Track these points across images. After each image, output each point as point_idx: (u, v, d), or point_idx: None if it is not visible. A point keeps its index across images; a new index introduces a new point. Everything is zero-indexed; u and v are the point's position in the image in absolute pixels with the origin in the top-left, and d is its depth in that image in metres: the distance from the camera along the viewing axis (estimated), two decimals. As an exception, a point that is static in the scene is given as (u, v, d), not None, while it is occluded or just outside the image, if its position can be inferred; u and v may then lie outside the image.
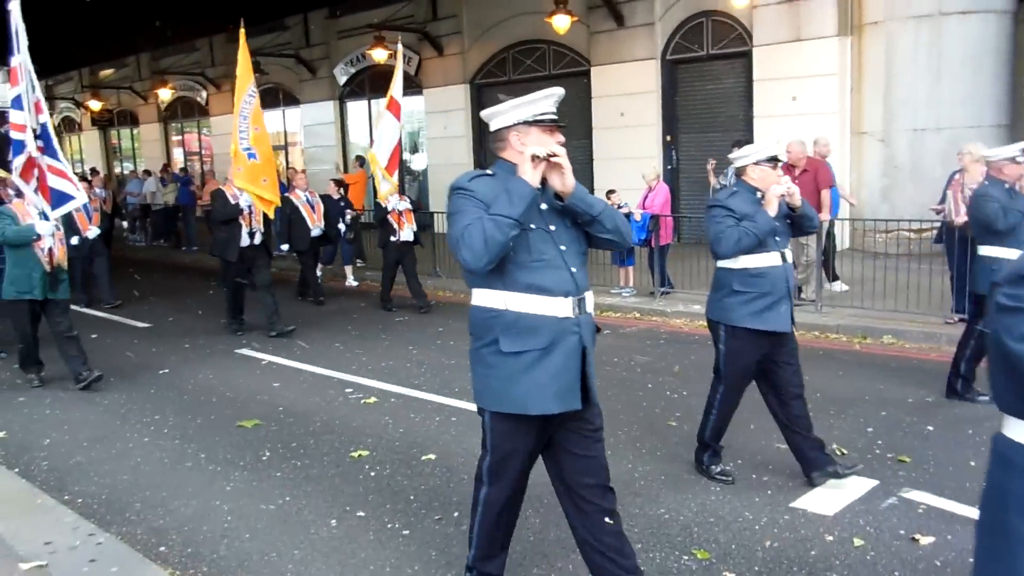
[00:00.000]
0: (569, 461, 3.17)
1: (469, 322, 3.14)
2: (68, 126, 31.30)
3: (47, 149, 6.91)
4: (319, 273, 11.84)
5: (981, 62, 11.47)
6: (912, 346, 7.81)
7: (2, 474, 4.96)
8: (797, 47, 12.50)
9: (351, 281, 12.59)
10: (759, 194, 4.53)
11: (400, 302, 10.62)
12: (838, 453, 5.01)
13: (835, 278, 9.74)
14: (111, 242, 13.35)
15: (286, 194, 10.81)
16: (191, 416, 6.29)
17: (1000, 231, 5.57)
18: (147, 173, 20.89)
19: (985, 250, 5.78)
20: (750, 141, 11.86)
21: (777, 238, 4.51)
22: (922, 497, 4.39)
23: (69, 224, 9.01)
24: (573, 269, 3.03)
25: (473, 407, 6.15)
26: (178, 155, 27.13)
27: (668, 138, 14.53)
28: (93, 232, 10.35)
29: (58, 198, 6.91)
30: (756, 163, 4.59)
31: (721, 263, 4.59)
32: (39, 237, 6.82)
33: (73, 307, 7.86)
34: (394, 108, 10.39)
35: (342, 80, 20.41)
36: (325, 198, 11.56)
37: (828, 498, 4.42)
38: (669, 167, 14.33)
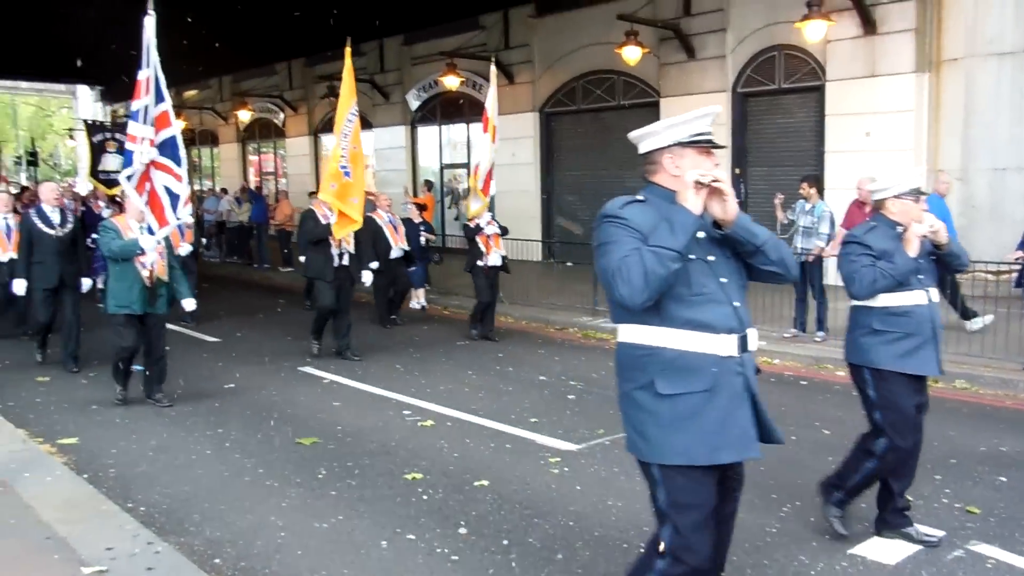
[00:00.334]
0: None
1: (617, 361, 2.91)
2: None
3: (176, 161, 6.90)
4: (422, 302, 11.84)
5: (1066, 101, 11.09)
6: (987, 392, 7.54)
7: (72, 479, 5.12)
8: (872, 82, 12.28)
9: (418, 303, 12.54)
10: (899, 228, 4.20)
11: (442, 320, 10.67)
12: (902, 500, 4.84)
13: (972, 314, 9.31)
14: (199, 259, 13.70)
15: (370, 214, 10.71)
16: (252, 431, 6.42)
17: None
18: (223, 191, 21.51)
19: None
20: (820, 176, 11.68)
21: (920, 276, 4.19)
22: (991, 551, 4.21)
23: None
24: (736, 303, 2.79)
25: (529, 435, 6.18)
26: (250, 174, 27.88)
27: (737, 171, 14.38)
28: (185, 249, 10.36)
29: (175, 202, 6.89)
30: (897, 196, 4.21)
31: (856, 301, 4.30)
32: (142, 251, 6.78)
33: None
34: (489, 129, 10.56)
35: (414, 105, 20.77)
36: (406, 221, 11.63)
37: (890, 547, 4.28)
38: (737, 200, 14.16)
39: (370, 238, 10.59)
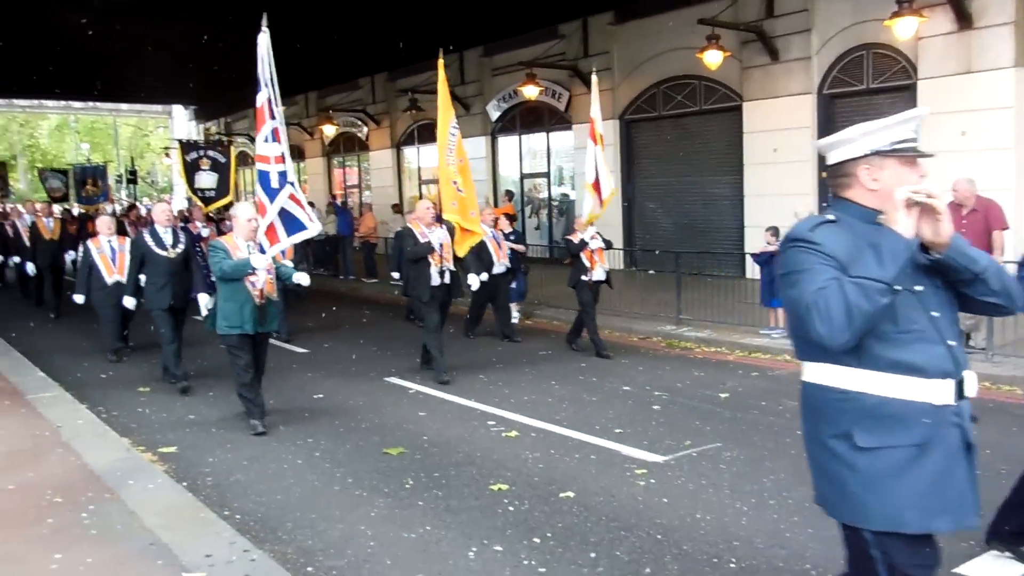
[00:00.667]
0: None
1: (804, 403, 2.59)
2: (243, 160, 33.59)
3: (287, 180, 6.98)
4: (515, 315, 11.62)
5: None
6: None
7: (172, 487, 5.32)
8: (968, 79, 11.81)
9: (515, 316, 12.11)
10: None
11: (526, 333, 10.68)
12: (1008, 517, 4.62)
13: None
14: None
15: None
16: (341, 441, 6.56)
17: None
18: (311, 205, 22.07)
19: None
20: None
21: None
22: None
23: None
24: (951, 342, 2.40)
25: (614, 446, 6.14)
26: (335, 188, 28.53)
27: (823, 174, 14.00)
28: (305, 280, 10.21)
29: (292, 225, 6.93)
30: None
31: None
32: (253, 271, 6.71)
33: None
34: (598, 139, 10.37)
35: (494, 116, 20.93)
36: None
37: (997, 567, 4.09)
38: (824, 204, 13.80)
39: (473, 253, 10.22)
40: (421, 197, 23.88)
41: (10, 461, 5.74)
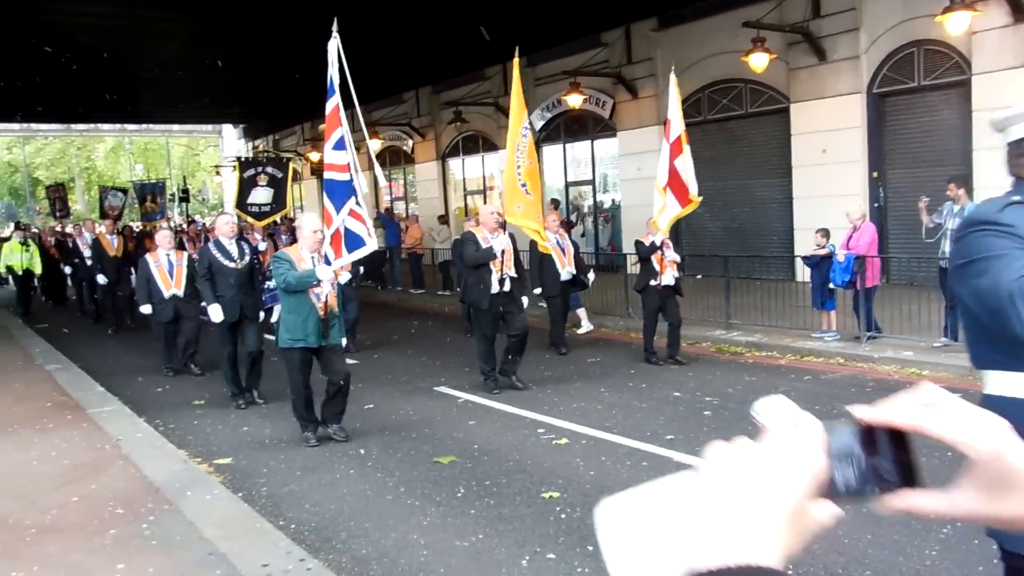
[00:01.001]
0: None
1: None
2: (292, 176, 34.19)
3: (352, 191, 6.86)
4: (586, 324, 11.43)
5: None
6: None
7: (228, 498, 5.41)
8: (1024, 73, 11.51)
9: (586, 326, 11.92)
10: None
11: (581, 342, 10.63)
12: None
13: None
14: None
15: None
16: (392, 450, 6.60)
17: None
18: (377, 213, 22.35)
19: None
20: (968, 176, 11.02)
21: None
22: None
23: None
24: None
25: (666, 452, 6.09)
26: (382, 200, 28.84)
27: (875, 174, 13.76)
28: (345, 277, 9.81)
29: (352, 242, 6.81)
30: None
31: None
32: (318, 283, 6.59)
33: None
34: (668, 136, 9.74)
35: (538, 125, 20.96)
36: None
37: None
38: (876, 205, 13.57)
39: (536, 262, 10.11)
40: (467, 208, 24.10)
41: (74, 473, 5.90)
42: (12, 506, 5.29)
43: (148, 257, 10.25)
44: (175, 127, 38.49)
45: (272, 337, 8.72)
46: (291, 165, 16.42)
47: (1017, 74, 11.57)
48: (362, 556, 4.57)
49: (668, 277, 9.38)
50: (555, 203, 17.54)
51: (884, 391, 7.84)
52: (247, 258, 8.52)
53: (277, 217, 15.77)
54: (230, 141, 37.71)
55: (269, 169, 15.54)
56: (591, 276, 10.80)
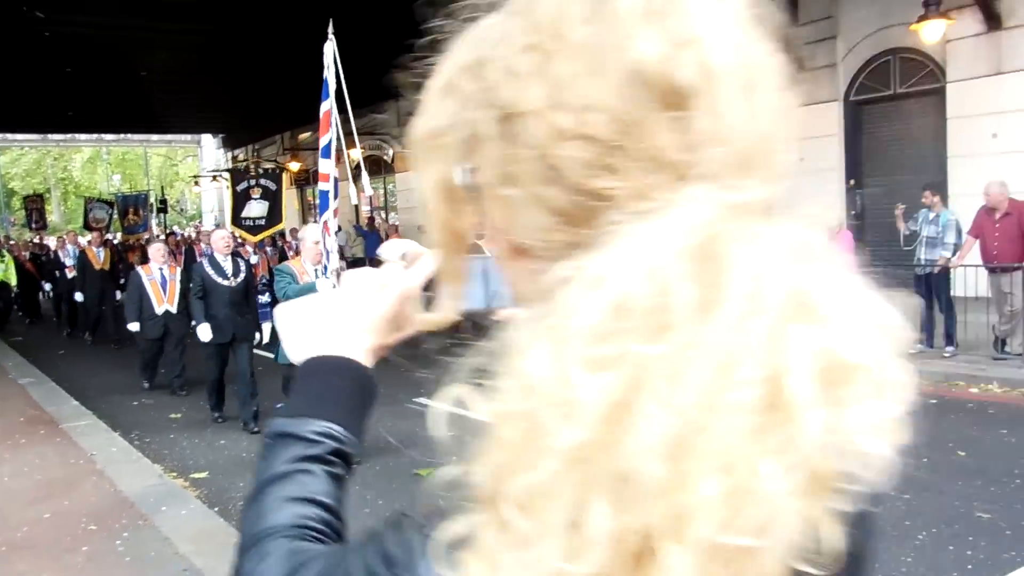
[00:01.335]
0: None
1: None
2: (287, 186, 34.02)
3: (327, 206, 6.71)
4: None
5: None
6: None
7: (204, 512, 5.35)
8: (998, 81, 11.65)
9: None
10: None
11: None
12: (1052, 527, 4.52)
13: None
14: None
15: None
16: (371, 463, 6.56)
17: None
18: (339, 227, 22.28)
19: None
20: (943, 183, 11.13)
21: None
22: None
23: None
24: None
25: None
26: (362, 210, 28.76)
27: (852, 182, 13.87)
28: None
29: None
30: None
31: None
32: None
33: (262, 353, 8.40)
34: None
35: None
36: None
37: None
38: (853, 213, 13.67)
39: None
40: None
41: (46, 490, 5.82)
42: (-17, 523, 5.21)
43: (141, 270, 9.86)
44: (154, 137, 38.26)
45: (264, 354, 8.65)
46: (286, 176, 15.89)
47: (990, 82, 11.71)
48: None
49: None
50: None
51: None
52: (242, 275, 8.14)
53: (273, 232, 15.30)
54: (209, 151, 37.54)
55: (263, 181, 15.01)
56: None
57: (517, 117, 0.55)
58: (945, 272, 8.77)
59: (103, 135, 36.49)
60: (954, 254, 8.71)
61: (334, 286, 6.45)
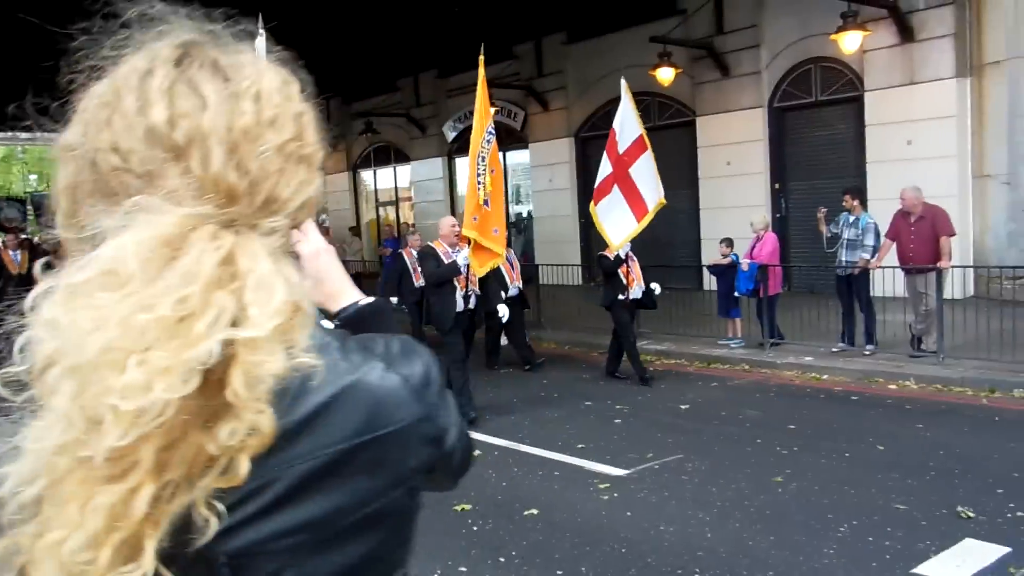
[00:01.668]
0: None
1: None
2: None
3: None
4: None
5: (1115, 99, 10.83)
6: (1047, 401, 7.31)
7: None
8: (912, 90, 12.11)
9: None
10: None
11: (508, 357, 10.66)
12: (963, 517, 4.71)
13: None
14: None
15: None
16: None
17: None
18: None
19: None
20: (862, 187, 11.51)
21: None
22: (1060, 567, 4.07)
23: None
24: None
25: (577, 461, 6.14)
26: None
27: (776, 186, 14.24)
28: None
29: None
30: None
31: None
32: None
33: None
34: (636, 148, 9.07)
35: (450, 137, 20.97)
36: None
37: (953, 564, 4.15)
38: (778, 215, 14.03)
39: (497, 275, 9.21)
40: (379, 219, 23.89)
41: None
42: None
43: None
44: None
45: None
46: None
47: (904, 91, 12.17)
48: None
49: (636, 291, 8.95)
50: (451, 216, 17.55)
51: (786, 395, 8.13)
52: None
53: None
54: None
55: None
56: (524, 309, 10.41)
57: (99, 152, 0.85)
58: (865, 273, 9.06)
59: (17, 133, 35.08)
60: (873, 256, 9.01)
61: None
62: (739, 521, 4.88)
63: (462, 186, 21.35)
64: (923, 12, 11.96)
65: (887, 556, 4.29)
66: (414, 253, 11.28)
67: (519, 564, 4.44)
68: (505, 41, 18.14)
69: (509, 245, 9.64)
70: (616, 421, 7.41)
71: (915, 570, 4.12)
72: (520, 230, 19.91)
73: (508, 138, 19.60)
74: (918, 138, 12.02)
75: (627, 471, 5.92)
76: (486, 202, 7.82)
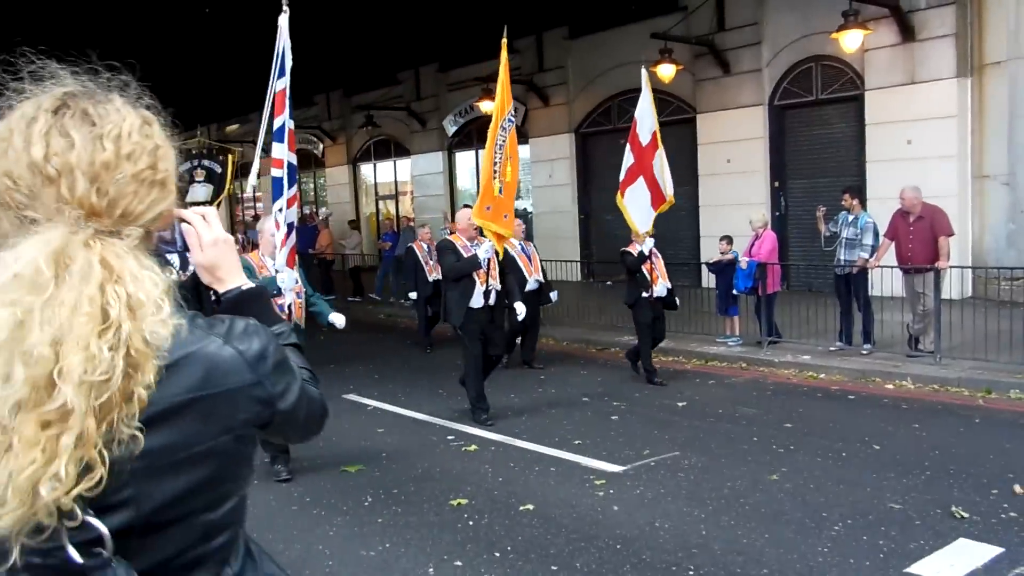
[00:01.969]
0: None
1: None
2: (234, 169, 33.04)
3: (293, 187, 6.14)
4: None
5: (1116, 100, 10.82)
6: (1043, 402, 7.33)
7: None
8: (912, 90, 12.11)
9: None
10: None
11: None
12: (957, 517, 4.73)
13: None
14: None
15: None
16: (298, 459, 6.46)
17: None
18: (255, 220, 21.84)
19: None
20: (862, 186, 11.52)
21: None
22: (1053, 568, 4.08)
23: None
24: None
25: (574, 457, 6.15)
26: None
27: (776, 184, 14.24)
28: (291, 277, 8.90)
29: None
30: None
31: None
32: (279, 292, 5.84)
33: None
34: (653, 143, 9.12)
35: (450, 131, 20.96)
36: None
37: (947, 564, 4.17)
38: (777, 214, 14.04)
39: (513, 269, 8.99)
40: (379, 213, 23.87)
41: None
42: None
43: None
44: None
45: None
46: (231, 157, 14.70)
47: (905, 90, 12.17)
48: (265, 569, 4.46)
49: (660, 289, 8.75)
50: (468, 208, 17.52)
51: (783, 394, 8.14)
52: (191, 268, 7.64)
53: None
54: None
55: (206, 163, 13.78)
56: (554, 295, 10.21)
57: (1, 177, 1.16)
58: (863, 272, 9.07)
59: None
60: (871, 255, 9.02)
61: (297, 280, 6.07)
62: (734, 518, 4.90)
63: (462, 180, 21.39)
64: (924, 12, 11.95)
65: (880, 555, 4.31)
66: (425, 247, 11.19)
67: (514, 559, 4.45)
68: (507, 35, 18.14)
69: (528, 238, 9.48)
70: (613, 418, 7.42)
71: (908, 569, 4.13)
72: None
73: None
74: (918, 138, 12.03)
75: (623, 467, 5.94)
76: (499, 190, 7.59)
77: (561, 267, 14.09)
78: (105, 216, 1.17)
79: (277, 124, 6.01)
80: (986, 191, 11.93)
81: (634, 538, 4.68)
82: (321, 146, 25.69)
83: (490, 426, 7.23)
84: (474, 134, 20.53)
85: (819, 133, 13.89)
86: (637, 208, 8.80)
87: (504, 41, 8.20)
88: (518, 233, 9.39)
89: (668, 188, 8.95)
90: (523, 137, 18.94)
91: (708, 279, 11.40)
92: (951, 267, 8.96)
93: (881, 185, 11.88)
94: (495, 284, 7.47)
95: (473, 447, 6.63)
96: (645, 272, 8.61)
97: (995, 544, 4.36)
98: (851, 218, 9.22)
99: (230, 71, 18.61)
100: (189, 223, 1.49)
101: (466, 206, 14.58)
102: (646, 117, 9.04)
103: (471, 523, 5.01)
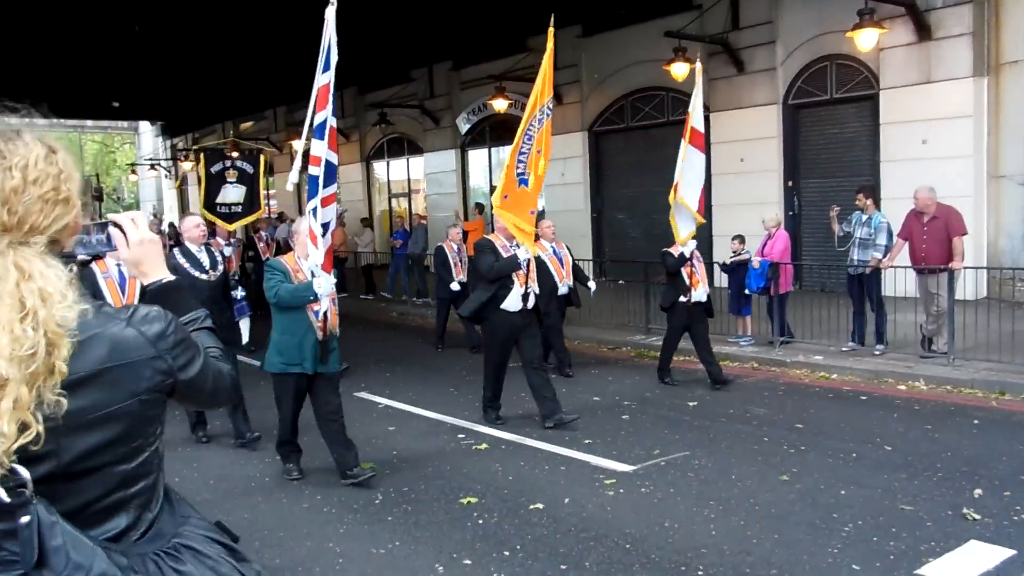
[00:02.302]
0: None
1: None
2: (266, 170, 33.14)
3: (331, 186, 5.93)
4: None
5: None
6: (1057, 404, 7.28)
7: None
8: (928, 89, 12.04)
9: None
10: None
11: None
12: (969, 519, 4.71)
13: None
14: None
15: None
16: (309, 458, 6.48)
17: None
18: (279, 219, 21.89)
19: None
20: (876, 186, 11.46)
21: None
22: (1065, 571, 4.06)
23: None
24: None
25: (584, 456, 6.16)
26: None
27: (790, 183, 14.19)
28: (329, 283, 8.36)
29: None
30: None
31: None
32: (316, 298, 5.57)
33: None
34: (697, 140, 8.86)
35: (464, 129, 20.98)
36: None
37: (958, 566, 4.15)
38: (791, 213, 13.98)
39: (543, 271, 8.66)
40: (392, 211, 23.89)
41: None
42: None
43: (95, 267, 8.45)
44: (88, 123, 37.15)
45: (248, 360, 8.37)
46: (263, 158, 14.69)
47: (920, 90, 12.10)
48: (275, 566, 4.49)
49: (700, 293, 8.50)
50: (479, 207, 17.53)
51: (795, 394, 8.12)
52: (220, 268, 7.09)
53: (251, 220, 14.19)
54: (147, 139, 36.62)
55: (240, 163, 13.49)
56: (592, 285, 9.85)
57: None
58: (876, 273, 9.03)
59: (35, 120, 35.25)
60: (885, 255, 8.97)
61: (333, 287, 5.78)
62: (744, 519, 4.89)
63: (475, 178, 21.40)
64: (940, 10, 11.88)
65: (891, 556, 4.30)
66: (455, 247, 11.10)
67: (523, 558, 4.46)
68: (519, 33, 18.12)
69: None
70: (624, 417, 7.42)
71: (919, 571, 4.12)
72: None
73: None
74: (933, 137, 11.95)
75: (633, 467, 5.94)
76: (524, 181, 7.20)
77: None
78: (15, 230, 1.45)
79: (319, 120, 5.74)
80: (1002, 191, 11.84)
81: (643, 538, 4.68)
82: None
83: (500, 425, 7.25)
84: (487, 132, 20.55)
85: (833, 132, 13.83)
86: (682, 211, 8.65)
87: (551, 30, 7.89)
88: (549, 235, 9.13)
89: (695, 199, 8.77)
90: (536, 135, 18.99)
91: (720, 279, 11.37)
92: (965, 268, 8.91)
93: (896, 185, 11.81)
94: (534, 287, 7.19)
95: (484, 446, 6.64)
96: (684, 275, 8.41)
97: (1007, 546, 4.33)
98: (865, 218, 9.18)
99: (247, 69, 18.71)
100: (119, 226, 1.76)
101: (480, 212, 14.16)
102: (696, 114, 8.87)
103: (481, 522, 5.02)
